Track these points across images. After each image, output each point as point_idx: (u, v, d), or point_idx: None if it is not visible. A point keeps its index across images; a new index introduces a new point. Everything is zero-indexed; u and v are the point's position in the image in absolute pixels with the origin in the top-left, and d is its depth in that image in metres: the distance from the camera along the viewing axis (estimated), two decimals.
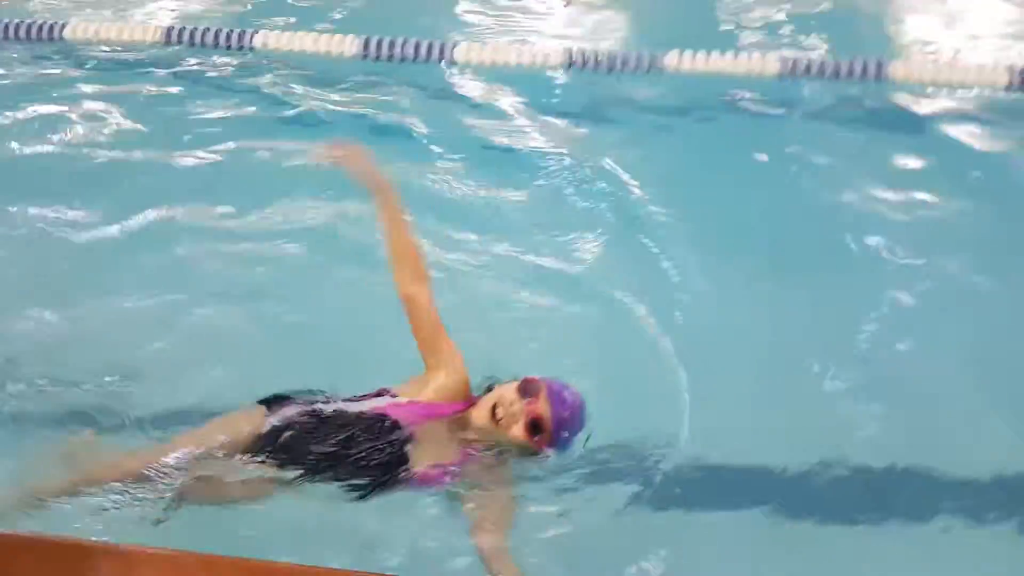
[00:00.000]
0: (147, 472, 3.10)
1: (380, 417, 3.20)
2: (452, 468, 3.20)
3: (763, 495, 3.58)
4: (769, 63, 6.01)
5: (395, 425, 3.18)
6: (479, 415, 3.20)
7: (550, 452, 3.21)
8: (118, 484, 3.09)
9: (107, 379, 3.74)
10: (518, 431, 3.14)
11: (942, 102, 5.92)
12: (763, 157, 5.53)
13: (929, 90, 5.95)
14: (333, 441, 3.14)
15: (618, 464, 3.44)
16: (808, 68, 5.98)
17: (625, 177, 5.26)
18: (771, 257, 4.77)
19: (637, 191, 5.17)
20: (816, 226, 5.01)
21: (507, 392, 3.18)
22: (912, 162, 5.50)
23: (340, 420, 3.19)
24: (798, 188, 5.31)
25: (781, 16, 6.47)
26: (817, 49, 6.20)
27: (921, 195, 5.21)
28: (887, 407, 3.92)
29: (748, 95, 5.92)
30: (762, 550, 3.38)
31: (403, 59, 6.11)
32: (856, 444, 3.76)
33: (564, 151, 5.48)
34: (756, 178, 5.40)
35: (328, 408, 3.24)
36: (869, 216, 5.05)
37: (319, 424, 3.19)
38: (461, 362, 3.29)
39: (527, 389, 3.15)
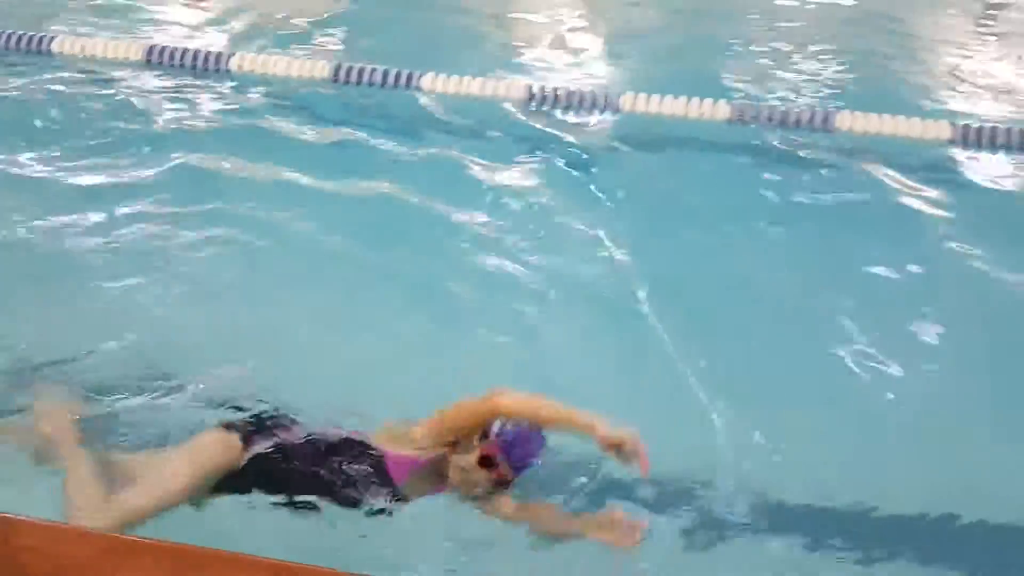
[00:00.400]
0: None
1: (372, 463, 3.42)
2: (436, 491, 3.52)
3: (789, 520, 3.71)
4: (720, 109, 6.27)
5: (381, 470, 3.43)
6: (454, 473, 3.48)
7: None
8: None
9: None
10: (487, 488, 3.47)
11: (886, 153, 6.13)
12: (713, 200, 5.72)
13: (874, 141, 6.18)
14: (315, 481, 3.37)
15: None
16: (757, 115, 6.24)
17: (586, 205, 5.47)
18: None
19: (592, 227, 5.32)
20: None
21: (469, 465, 3.44)
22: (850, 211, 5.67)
23: (324, 464, 3.40)
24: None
25: (733, 64, 6.73)
26: (769, 97, 6.44)
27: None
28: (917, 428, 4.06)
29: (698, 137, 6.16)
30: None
31: (371, 84, 6.38)
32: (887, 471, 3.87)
33: (519, 183, 5.69)
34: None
35: (310, 446, 3.42)
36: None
37: (293, 465, 3.39)
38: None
39: (486, 463, 3.42)
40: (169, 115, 6.16)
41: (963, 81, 6.95)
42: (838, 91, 6.62)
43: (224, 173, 5.60)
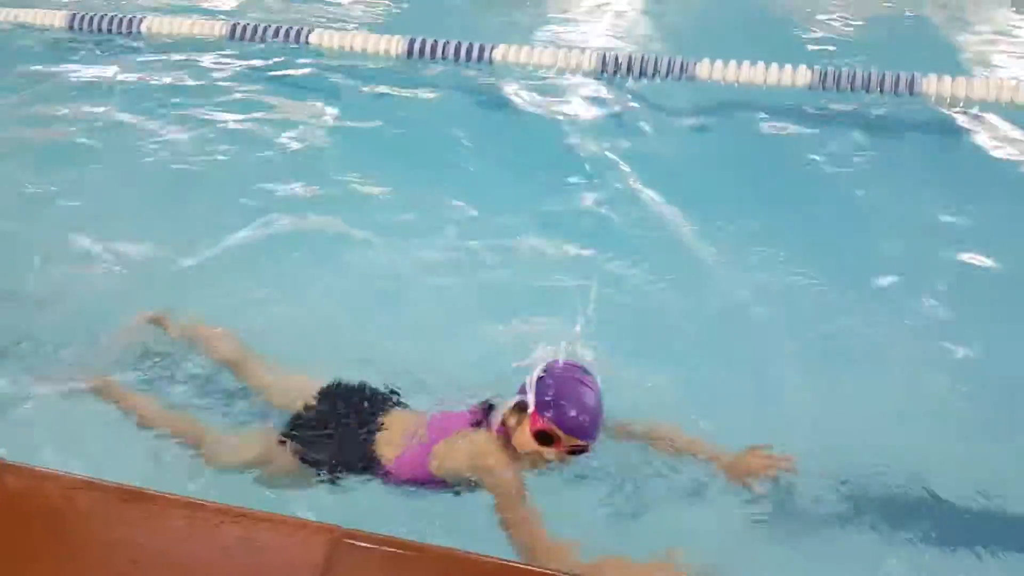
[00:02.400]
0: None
1: None
2: None
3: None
4: (800, 75, 6.09)
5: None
6: (530, 463, 3.15)
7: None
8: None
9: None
10: (569, 459, 3.16)
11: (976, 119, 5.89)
12: (795, 166, 5.59)
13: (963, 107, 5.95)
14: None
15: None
16: (839, 80, 6.04)
17: (654, 179, 5.39)
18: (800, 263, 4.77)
19: (665, 193, 5.27)
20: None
21: (528, 443, 3.11)
22: (941, 179, 5.46)
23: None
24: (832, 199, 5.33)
25: (814, 29, 6.53)
26: (849, 62, 6.23)
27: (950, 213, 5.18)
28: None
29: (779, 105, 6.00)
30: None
31: (445, 58, 6.39)
32: None
33: (597, 152, 5.65)
34: (786, 187, 5.46)
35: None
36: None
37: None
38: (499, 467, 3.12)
39: (545, 439, 3.09)
40: (249, 88, 6.30)
41: None
42: (924, 56, 6.37)
43: (300, 148, 5.70)
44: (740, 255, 4.72)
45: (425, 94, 6.24)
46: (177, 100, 6.14)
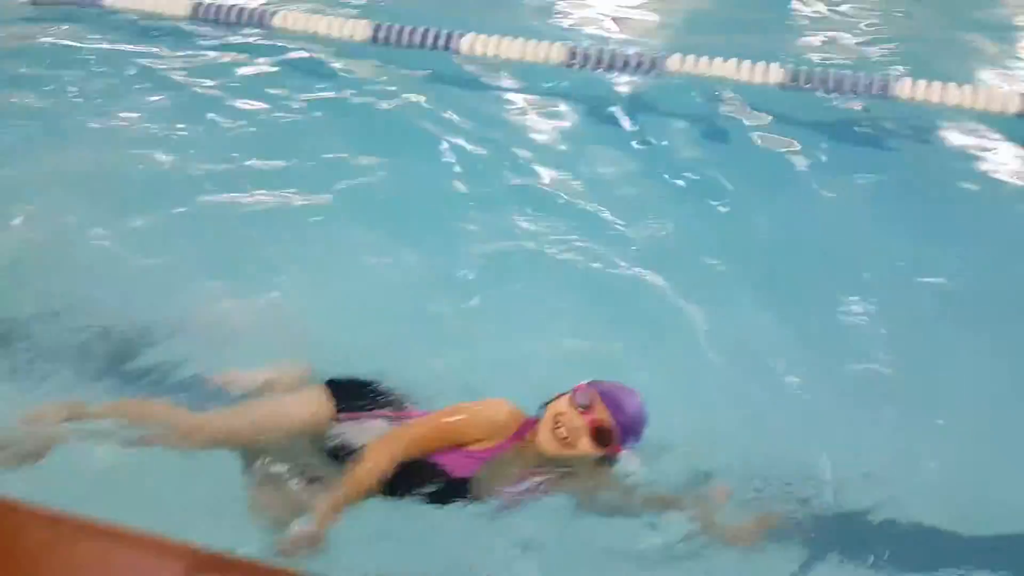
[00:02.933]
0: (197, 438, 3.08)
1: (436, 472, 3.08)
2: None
3: None
4: (773, 72, 5.95)
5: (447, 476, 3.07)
6: (544, 439, 3.06)
7: (622, 454, 3.12)
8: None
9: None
10: (586, 445, 3.03)
11: (949, 125, 5.77)
12: (765, 166, 5.48)
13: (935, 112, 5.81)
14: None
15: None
16: (810, 79, 5.91)
17: (618, 177, 5.28)
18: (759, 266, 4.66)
19: (627, 191, 5.17)
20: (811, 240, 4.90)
21: (561, 406, 3.07)
22: (909, 181, 5.37)
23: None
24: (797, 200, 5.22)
25: (791, 27, 6.41)
26: (823, 62, 6.10)
27: (919, 216, 5.08)
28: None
29: (749, 101, 5.87)
30: None
31: (410, 45, 6.24)
32: None
33: (561, 147, 5.52)
34: (756, 187, 5.32)
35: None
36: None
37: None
38: (486, 411, 3.14)
39: (580, 399, 3.05)
40: (209, 69, 6.13)
41: None
42: (898, 57, 6.24)
43: (265, 135, 5.52)
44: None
45: (389, 79, 6.09)
46: (136, 80, 5.98)
